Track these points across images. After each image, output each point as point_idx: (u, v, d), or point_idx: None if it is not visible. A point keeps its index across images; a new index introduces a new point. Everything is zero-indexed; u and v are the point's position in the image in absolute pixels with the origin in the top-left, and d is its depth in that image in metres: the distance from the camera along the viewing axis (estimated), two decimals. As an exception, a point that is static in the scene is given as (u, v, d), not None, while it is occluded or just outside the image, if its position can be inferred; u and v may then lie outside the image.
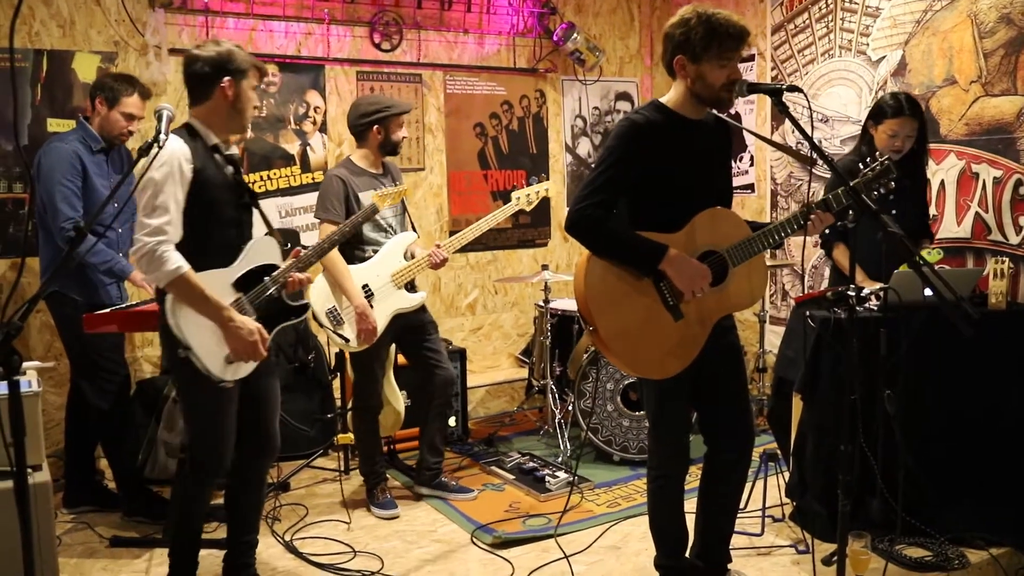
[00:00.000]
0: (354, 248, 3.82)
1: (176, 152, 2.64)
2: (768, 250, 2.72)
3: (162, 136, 2.50)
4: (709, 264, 2.62)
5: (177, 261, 2.60)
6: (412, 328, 3.94)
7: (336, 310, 3.75)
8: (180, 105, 4.59)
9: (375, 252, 3.85)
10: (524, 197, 4.19)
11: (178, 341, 2.65)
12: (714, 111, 2.75)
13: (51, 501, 2.83)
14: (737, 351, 2.88)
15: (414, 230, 4.06)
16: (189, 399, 2.87)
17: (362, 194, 3.82)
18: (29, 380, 2.95)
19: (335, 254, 3.72)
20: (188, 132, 2.76)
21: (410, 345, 4.00)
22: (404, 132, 3.88)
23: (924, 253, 3.57)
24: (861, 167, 2.69)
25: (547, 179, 4.37)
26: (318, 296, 3.77)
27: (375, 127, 3.78)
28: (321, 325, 3.77)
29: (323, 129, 5.04)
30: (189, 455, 2.89)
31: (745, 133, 5.39)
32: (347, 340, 3.75)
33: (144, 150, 2.44)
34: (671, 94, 2.68)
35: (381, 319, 3.79)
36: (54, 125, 4.25)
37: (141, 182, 2.58)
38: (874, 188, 2.64)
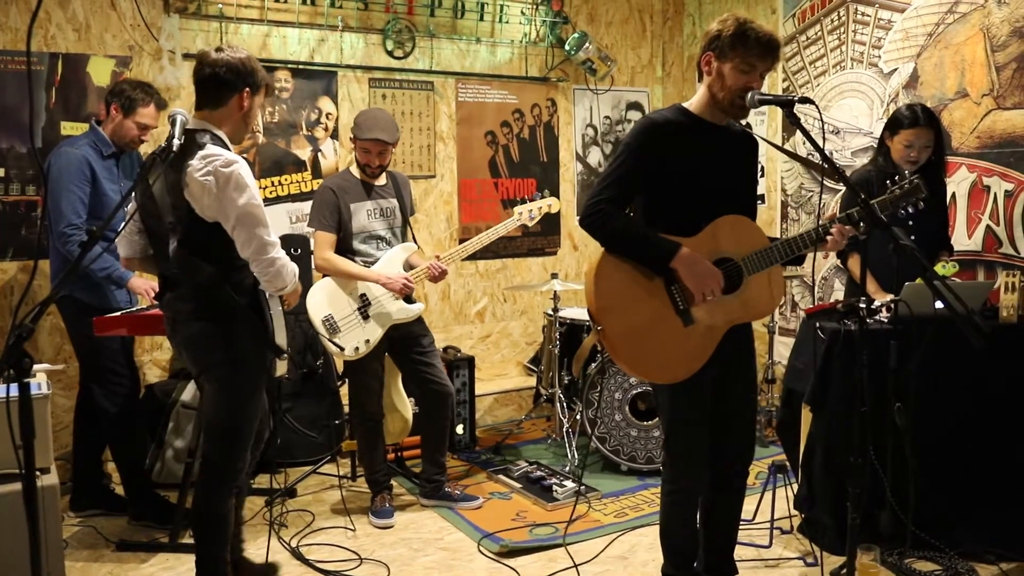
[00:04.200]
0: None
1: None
2: (784, 262, 2.69)
3: (175, 141, 2.51)
4: (723, 271, 2.61)
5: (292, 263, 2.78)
6: (405, 340, 3.90)
7: (332, 318, 3.74)
8: (193, 110, 4.61)
9: (365, 264, 3.83)
10: (526, 212, 4.16)
11: (280, 349, 2.82)
12: (740, 122, 2.74)
13: (59, 504, 2.84)
14: (752, 371, 2.87)
15: (415, 242, 4.04)
16: (238, 403, 2.80)
17: (353, 205, 3.82)
18: (39, 383, 2.96)
19: (332, 257, 3.74)
20: (223, 144, 2.70)
21: (403, 358, 3.96)
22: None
23: (939, 266, 3.55)
24: (889, 184, 2.67)
25: (551, 195, 4.41)
26: (314, 304, 3.77)
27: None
28: (317, 333, 3.77)
29: (335, 135, 5.06)
30: (231, 464, 2.84)
31: (766, 145, 5.39)
32: (342, 349, 3.74)
33: (160, 155, 2.45)
34: (694, 98, 2.69)
35: (378, 330, 3.78)
36: (68, 128, 4.28)
37: (247, 207, 2.58)
38: (901, 206, 2.62)
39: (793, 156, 5.12)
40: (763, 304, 2.72)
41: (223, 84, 2.70)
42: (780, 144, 5.32)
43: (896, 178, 2.67)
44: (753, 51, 2.52)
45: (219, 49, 2.72)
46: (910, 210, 2.64)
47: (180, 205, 2.62)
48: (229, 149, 2.70)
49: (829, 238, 2.60)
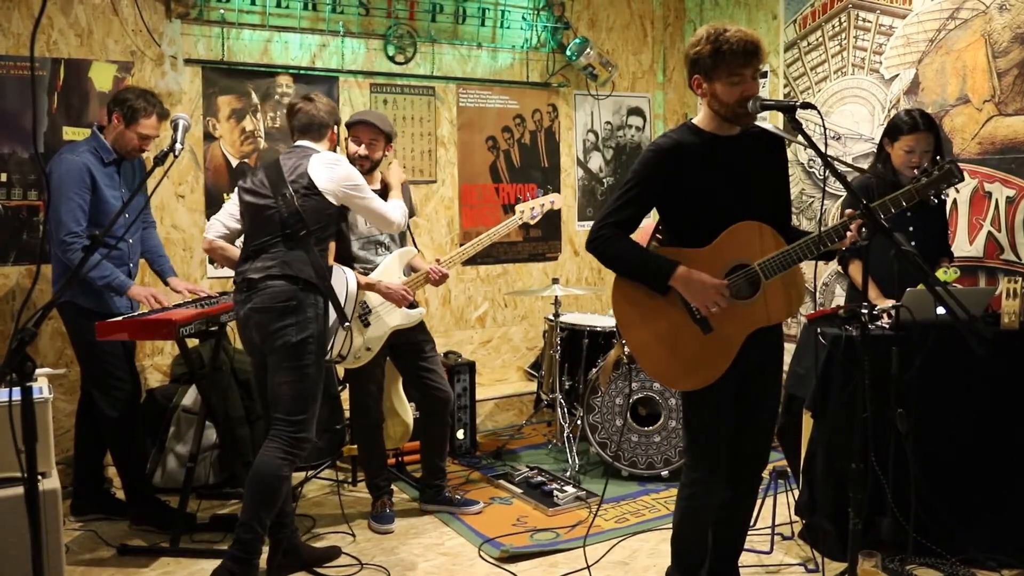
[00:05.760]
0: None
1: None
2: (808, 261, 2.68)
3: (178, 145, 2.52)
4: (739, 277, 2.61)
5: None
6: (406, 345, 3.89)
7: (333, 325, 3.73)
8: (195, 115, 4.62)
9: (364, 270, 3.79)
10: (528, 210, 4.15)
11: (345, 316, 3.29)
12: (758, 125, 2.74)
13: (60, 508, 2.83)
14: (777, 375, 2.87)
15: (415, 246, 4.03)
16: (304, 370, 3.14)
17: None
18: (40, 387, 2.95)
19: (334, 264, 3.73)
20: None
21: (405, 363, 3.96)
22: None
23: (940, 272, 3.54)
24: (916, 172, 2.65)
25: (554, 191, 4.34)
26: None
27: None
28: None
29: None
30: (298, 435, 3.14)
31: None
32: (343, 357, 3.74)
33: (160, 159, 2.47)
34: (700, 114, 2.70)
35: (380, 336, 3.78)
36: (70, 133, 4.28)
37: (364, 200, 3.34)
38: (932, 192, 2.61)
39: (817, 150, 5.12)
40: (784, 307, 2.71)
41: (323, 124, 3.38)
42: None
43: (934, 170, 2.63)
44: (736, 61, 2.52)
45: (308, 99, 3.39)
46: (944, 197, 2.62)
47: (289, 190, 3.15)
48: None
49: (849, 234, 2.60)
